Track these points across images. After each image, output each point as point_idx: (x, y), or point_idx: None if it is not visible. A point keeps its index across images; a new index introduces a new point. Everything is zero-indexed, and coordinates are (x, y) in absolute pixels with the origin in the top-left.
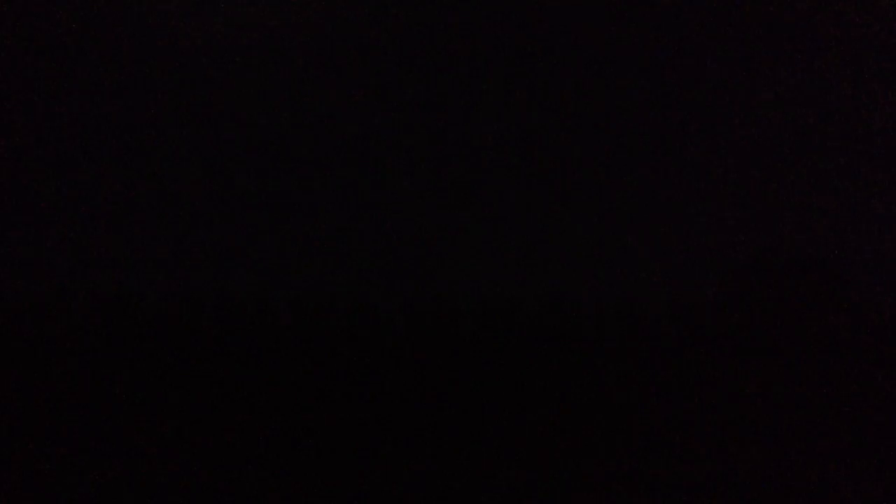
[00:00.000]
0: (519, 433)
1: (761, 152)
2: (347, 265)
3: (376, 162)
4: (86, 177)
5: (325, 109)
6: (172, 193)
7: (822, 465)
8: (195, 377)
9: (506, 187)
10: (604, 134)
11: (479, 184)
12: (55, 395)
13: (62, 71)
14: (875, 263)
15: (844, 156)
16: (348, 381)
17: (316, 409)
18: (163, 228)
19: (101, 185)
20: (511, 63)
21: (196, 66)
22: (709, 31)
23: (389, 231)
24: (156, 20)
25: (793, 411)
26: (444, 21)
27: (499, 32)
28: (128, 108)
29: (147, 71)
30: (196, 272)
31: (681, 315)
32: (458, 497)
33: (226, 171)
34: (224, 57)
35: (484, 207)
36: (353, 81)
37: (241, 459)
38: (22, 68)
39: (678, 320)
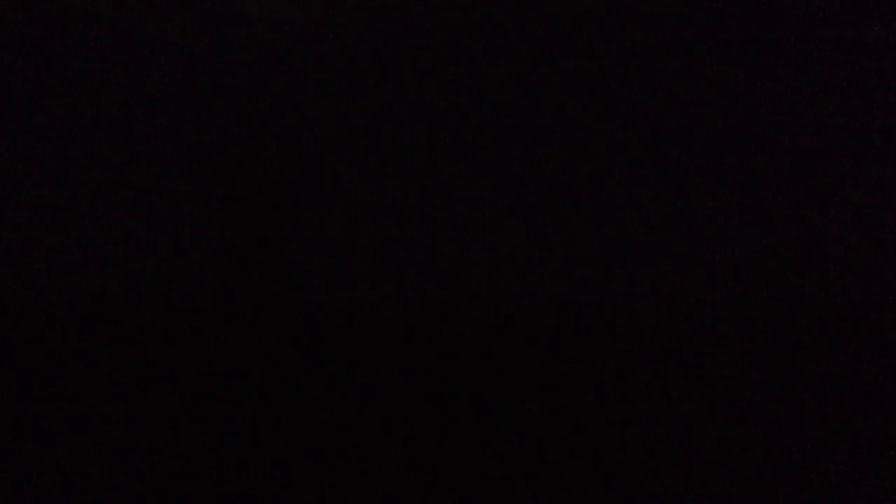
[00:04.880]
0: (517, 434)
1: (761, 152)
2: (345, 265)
3: (373, 161)
4: (84, 176)
5: (324, 109)
6: (171, 193)
7: (821, 465)
8: (193, 377)
9: (503, 186)
10: (603, 134)
11: (476, 183)
12: (54, 394)
13: (62, 71)
14: (875, 263)
15: (844, 156)
16: (346, 381)
17: (314, 411)
18: (162, 228)
19: (100, 185)
20: (509, 62)
21: (196, 65)
22: (708, 30)
23: (387, 231)
24: (154, 20)
25: (793, 411)
26: (443, 21)
27: (497, 32)
28: (128, 107)
29: (147, 70)
30: (195, 272)
31: (681, 315)
32: (457, 498)
33: (225, 171)
34: (224, 56)
35: (481, 207)
36: (351, 81)
37: (240, 460)
38: (21, 68)
39: (678, 320)
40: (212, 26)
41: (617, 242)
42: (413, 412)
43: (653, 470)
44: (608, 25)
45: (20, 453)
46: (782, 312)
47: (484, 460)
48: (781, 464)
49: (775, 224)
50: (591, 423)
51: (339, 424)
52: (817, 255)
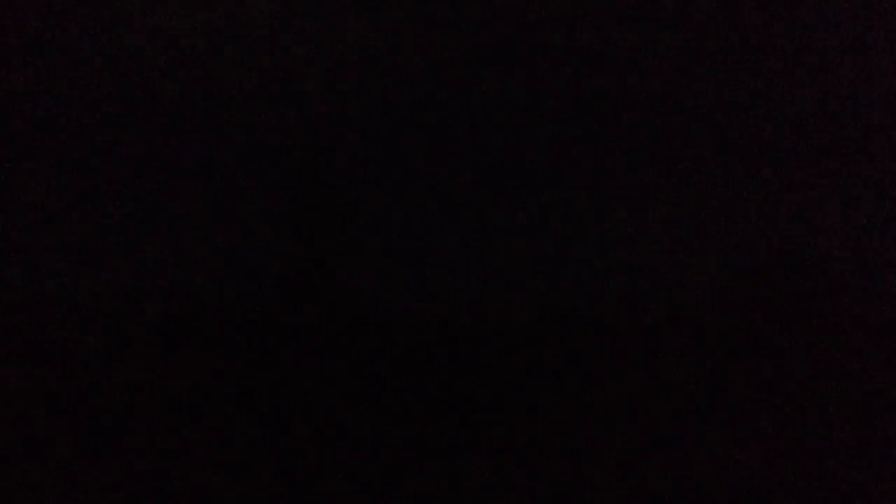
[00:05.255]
0: (517, 434)
1: (761, 152)
2: (345, 266)
3: (373, 161)
4: (85, 176)
5: (324, 110)
6: (172, 193)
7: (822, 465)
8: (193, 377)
9: (503, 186)
10: (603, 134)
11: (475, 183)
12: (55, 394)
13: (61, 70)
14: (876, 264)
15: (844, 156)
16: (346, 382)
17: (314, 411)
18: (162, 228)
19: (100, 185)
20: (509, 62)
21: (195, 65)
22: (708, 30)
23: (386, 232)
24: (153, 19)
25: (793, 411)
26: (443, 21)
27: (497, 32)
28: (128, 106)
29: (148, 69)
30: (195, 272)
31: (681, 315)
32: (455, 498)
33: (225, 171)
34: (224, 56)
35: (481, 207)
36: (350, 82)
37: (240, 460)
38: (21, 68)
39: (678, 320)
40: (212, 26)
41: (617, 242)
42: (411, 413)
43: (653, 469)
44: (608, 25)
45: (20, 452)
46: (782, 312)
47: (482, 460)
48: (781, 463)
49: (775, 224)
50: (591, 423)
51: (335, 426)
52: (817, 256)
